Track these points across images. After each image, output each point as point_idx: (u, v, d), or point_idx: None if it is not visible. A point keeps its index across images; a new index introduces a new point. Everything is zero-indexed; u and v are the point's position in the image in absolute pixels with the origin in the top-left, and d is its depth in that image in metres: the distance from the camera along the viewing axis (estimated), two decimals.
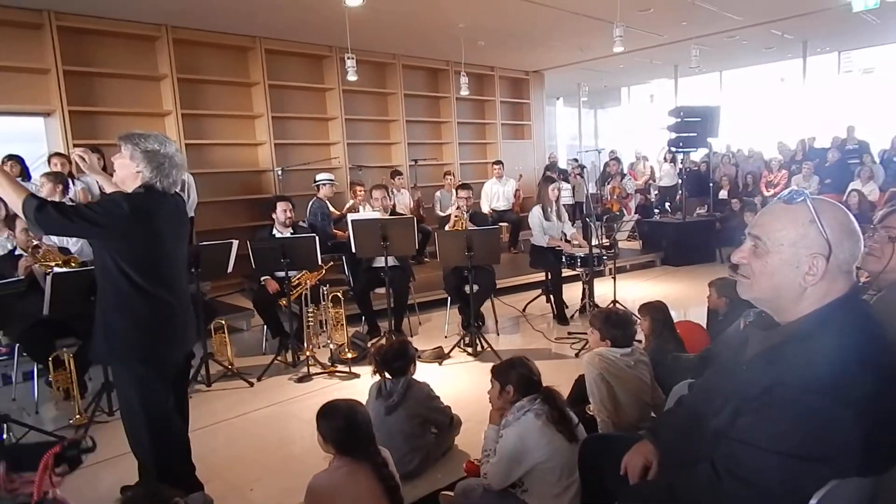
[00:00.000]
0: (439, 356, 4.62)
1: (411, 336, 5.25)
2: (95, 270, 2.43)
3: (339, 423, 2.17)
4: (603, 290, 5.91)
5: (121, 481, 2.89)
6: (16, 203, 2.19)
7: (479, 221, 5.57)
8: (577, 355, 4.60)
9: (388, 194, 5.52)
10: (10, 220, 4.23)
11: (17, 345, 4.04)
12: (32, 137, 6.42)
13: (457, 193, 5.85)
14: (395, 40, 8.15)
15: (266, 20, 6.85)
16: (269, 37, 7.56)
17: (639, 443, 1.75)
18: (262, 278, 4.89)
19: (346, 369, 4.41)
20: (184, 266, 2.60)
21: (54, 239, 4.35)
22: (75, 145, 6.15)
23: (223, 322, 4.53)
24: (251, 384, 4.29)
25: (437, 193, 8.51)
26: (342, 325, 4.60)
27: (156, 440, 2.44)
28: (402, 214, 6.02)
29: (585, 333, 4.83)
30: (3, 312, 3.20)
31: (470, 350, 4.74)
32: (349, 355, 4.50)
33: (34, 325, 3.76)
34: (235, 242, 4.32)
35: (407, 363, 3.03)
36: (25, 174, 5.49)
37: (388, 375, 3.01)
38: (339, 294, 4.64)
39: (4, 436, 3.25)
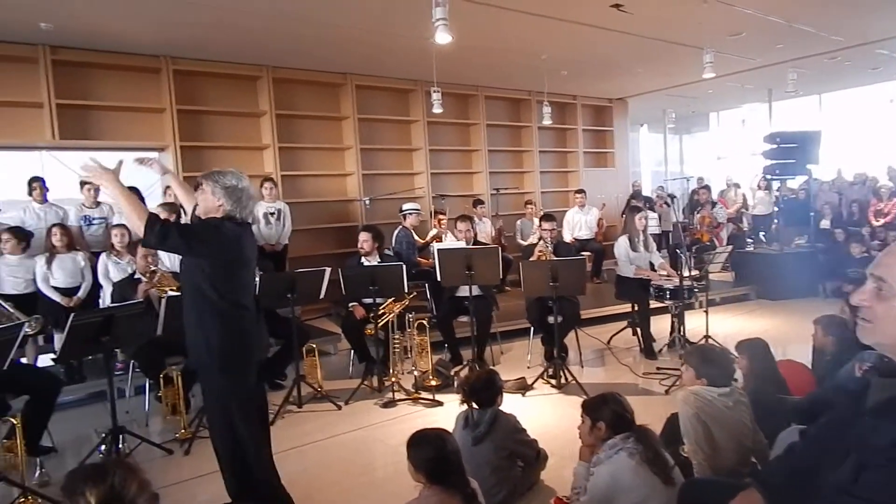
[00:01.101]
0: (522, 387, 4.58)
1: (493, 365, 5.24)
2: (184, 290, 2.67)
3: (429, 452, 2.21)
4: (694, 324, 5.66)
5: (219, 497, 3.04)
6: (138, 223, 2.46)
7: (563, 251, 5.52)
8: (666, 392, 4.42)
9: (472, 226, 5.59)
10: (133, 246, 4.64)
11: (132, 361, 4.40)
12: (149, 170, 7.03)
13: (540, 224, 5.83)
14: (478, 73, 8.33)
15: (357, 58, 7.22)
16: (359, 73, 7.95)
17: (745, 491, 1.66)
18: (350, 304, 5.07)
19: (430, 397, 4.46)
20: (253, 287, 2.79)
21: (167, 263, 4.75)
22: (185, 177, 6.72)
23: (314, 346, 4.72)
24: (339, 407, 4.43)
25: (518, 222, 8.52)
26: (427, 352, 4.67)
27: (234, 447, 2.60)
28: (485, 243, 6.08)
29: (676, 369, 4.66)
30: (124, 332, 3.51)
31: (554, 382, 4.67)
32: (433, 382, 4.56)
33: (148, 343, 4.08)
34: (328, 270, 4.52)
35: (494, 394, 3.03)
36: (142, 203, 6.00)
37: (474, 405, 3.03)
38: (423, 322, 4.73)
39: (120, 445, 3.54)
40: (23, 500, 3.08)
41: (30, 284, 4.78)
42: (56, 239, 4.87)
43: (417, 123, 8.63)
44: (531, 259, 5.29)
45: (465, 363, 5.06)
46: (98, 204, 5.60)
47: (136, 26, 5.66)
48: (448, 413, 4.22)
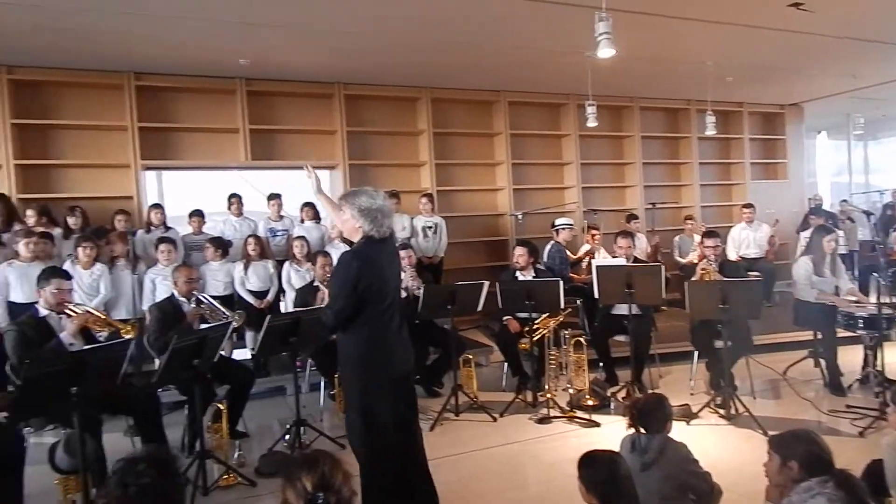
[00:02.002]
0: (686, 415, 4.32)
1: (652, 389, 5.00)
2: None
3: (601, 474, 2.17)
4: (893, 359, 4.96)
5: None
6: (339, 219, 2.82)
7: (730, 271, 5.13)
8: (861, 434, 3.92)
9: (633, 242, 5.41)
10: (312, 255, 5.13)
11: (310, 360, 4.84)
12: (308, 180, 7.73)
13: (702, 241, 5.49)
14: (634, 83, 8.08)
15: (510, 75, 7.36)
16: (512, 90, 8.09)
17: None
18: (505, 318, 5.14)
19: (587, 416, 4.37)
20: (398, 300, 2.90)
21: None
22: None
23: (470, 356, 4.86)
24: (494, 419, 4.50)
25: (677, 238, 8.08)
26: (583, 370, 4.60)
27: (372, 448, 2.73)
28: (642, 260, 5.85)
29: (871, 409, 4.12)
30: (308, 334, 3.90)
31: (722, 412, 4.35)
32: (589, 402, 4.47)
33: (325, 346, 4.46)
34: (486, 283, 4.64)
35: (663, 419, 2.90)
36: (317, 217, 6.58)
37: (642, 430, 2.92)
38: (581, 339, 4.66)
39: (304, 436, 3.91)
40: (226, 476, 3.53)
41: (228, 287, 5.47)
42: (251, 248, 5.54)
43: (569, 137, 8.56)
44: (693, 278, 4.99)
45: (622, 384, 4.90)
46: (281, 217, 6.28)
47: (315, 57, 6.29)
48: (605, 435, 4.11)
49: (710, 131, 7.83)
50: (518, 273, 5.31)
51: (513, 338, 5.06)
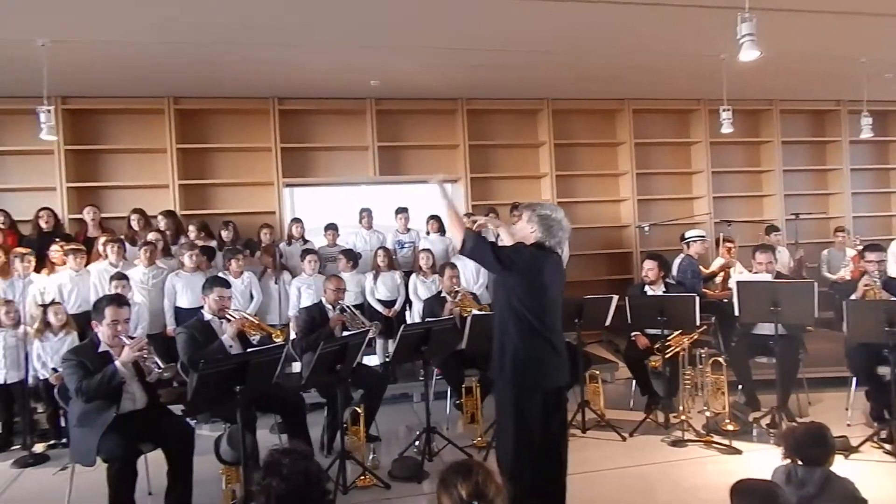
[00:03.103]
0: (845, 448, 3.91)
1: (799, 416, 4.59)
2: (495, 306, 2.95)
3: None
4: None
5: None
6: (457, 233, 2.84)
7: (895, 289, 4.59)
8: None
9: (774, 257, 5.02)
10: (440, 267, 5.27)
11: (436, 369, 4.97)
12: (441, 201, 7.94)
13: (861, 255, 4.96)
14: (774, 85, 7.51)
15: (635, 83, 7.14)
16: (636, 97, 7.84)
17: None
18: (633, 334, 4.97)
19: (726, 442, 4.10)
20: (560, 314, 2.89)
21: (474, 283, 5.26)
22: (472, 206, 7.42)
23: (597, 372, 4.74)
24: (623, 438, 4.35)
25: (825, 252, 7.35)
26: (723, 392, 4.32)
27: (519, 457, 2.74)
28: (787, 276, 5.40)
29: None
30: (437, 343, 4.03)
31: (888, 447, 3.89)
32: (729, 427, 4.19)
33: (451, 356, 4.57)
34: (615, 298, 4.51)
35: (826, 452, 2.65)
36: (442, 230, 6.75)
37: (799, 462, 2.69)
38: (720, 359, 4.39)
39: (433, 444, 4.02)
40: (362, 477, 3.71)
41: (359, 296, 5.76)
42: (380, 259, 5.81)
43: (699, 144, 8.13)
44: (853, 296, 4.52)
45: (765, 410, 4.54)
46: (408, 230, 6.53)
47: (440, 76, 6.50)
48: (747, 463, 3.83)
49: (866, 134, 7.07)
50: (647, 287, 5.11)
51: (641, 355, 4.87)
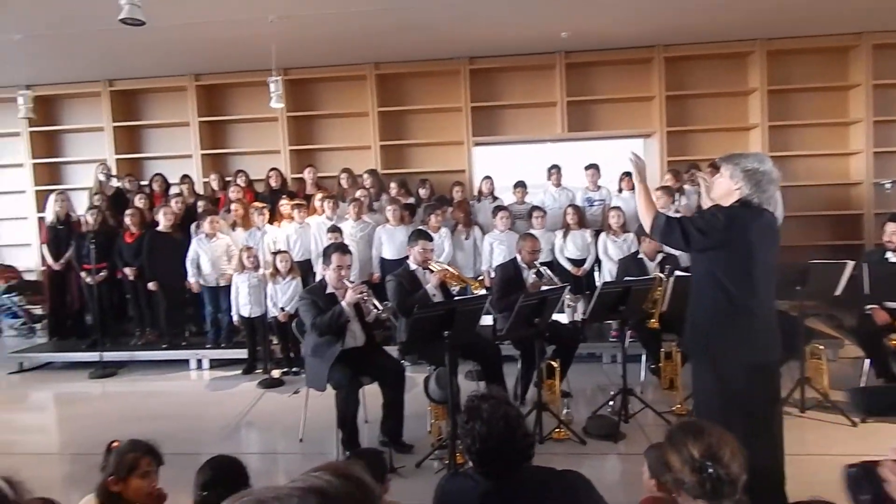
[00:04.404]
0: None
1: None
2: (693, 274, 2.67)
3: None
4: None
5: None
6: (646, 216, 2.64)
7: None
8: None
9: None
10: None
11: (628, 331, 4.80)
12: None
13: None
14: None
15: (876, 11, 5.97)
16: (877, 30, 6.59)
17: None
18: (869, 306, 4.31)
19: None
20: (773, 281, 2.57)
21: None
22: (668, 162, 6.94)
23: (820, 347, 4.22)
24: (854, 423, 3.85)
25: None
26: None
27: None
28: None
29: None
30: (636, 304, 3.89)
31: None
32: None
33: (647, 318, 4.35)
34: (850, 263, 3.94)
35: None
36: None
37: None
38: None
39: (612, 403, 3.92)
40: (558, 430, 3.77)
41: (548, 254, 5.75)
42: (570, 217, 5.74)
43: None
44: None
45: None
46: (599, 188, 6.31)
47: (635, 22, 6.07)
48: None
49: None
50: (889, 254, 4.38)
51: (879, 331, 4.22)
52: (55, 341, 6.50)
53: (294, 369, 5.25)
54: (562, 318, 5.65)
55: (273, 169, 6.71)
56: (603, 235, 5.72)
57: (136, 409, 4.86)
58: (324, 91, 7.53)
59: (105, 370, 5.68)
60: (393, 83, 7.42)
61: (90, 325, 6.22)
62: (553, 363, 4.01)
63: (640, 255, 4.80)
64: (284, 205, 5.99)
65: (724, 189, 2.57)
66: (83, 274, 5.95)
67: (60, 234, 6.22)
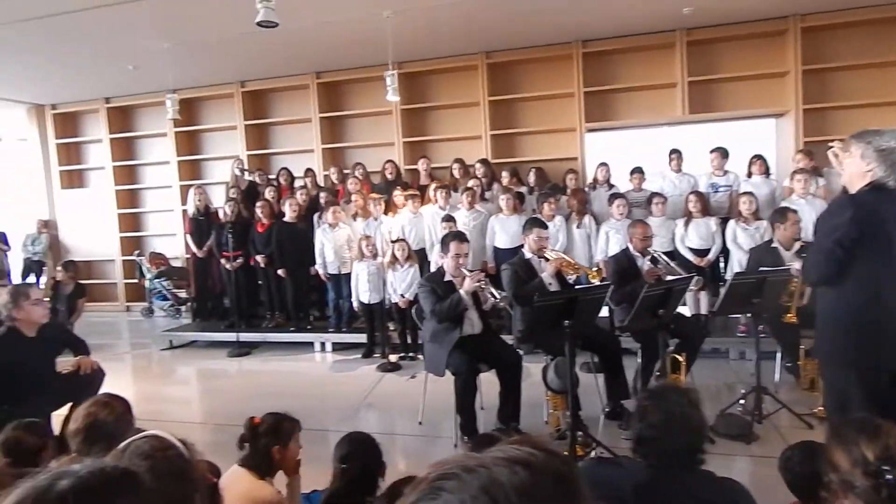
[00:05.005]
0: None
1: None
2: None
3: None
4: None
5: None
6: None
7: None
8: None
9: None
10: (777, 212, 4.64)
11: (759, 327, 4.47)
12: (762, 139, 6.93)
13: None
14: None
15: None
16: None
17: None
18: None
19: None
20: None
21: None
22: (805, 143, 6.34)
23: None
24: None
25: None
26: None
27: None
28: None
29: None
30: (771, 297, 3.61)
31: None
32: None
33: (782, 312, 4.03)
34: None
35: None
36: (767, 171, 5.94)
37: None
38: None
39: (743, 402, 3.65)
40: None
41: (669, 244, 5.47)
42: (692, 205, 5.41)
43: None
44: None
45: None
46: (725, 172, 5.90)
47: None
48: None
49: None
50: None
51: None
52: (199, 322, 7.19)
53: (410, 354, 5.43)
54: (684, 310, 5.39)
55: (388, 161, 6.94)
56: (732, 223, 5.34)
57: (268, 386, 5.26)
58: (435, 83, 7.66)
59: (241, 349, 6.20)
60: (503, 71, 7.38)
61: (228, 308, 6.81)
62: (678, 357, 3.82)
63: (774, 244, 4.43)
64: (399, 195, 6.17)
65: (855, 170, 2.31)
66: (222, 261, 6.52)
67: (201, 225, 6.85)
